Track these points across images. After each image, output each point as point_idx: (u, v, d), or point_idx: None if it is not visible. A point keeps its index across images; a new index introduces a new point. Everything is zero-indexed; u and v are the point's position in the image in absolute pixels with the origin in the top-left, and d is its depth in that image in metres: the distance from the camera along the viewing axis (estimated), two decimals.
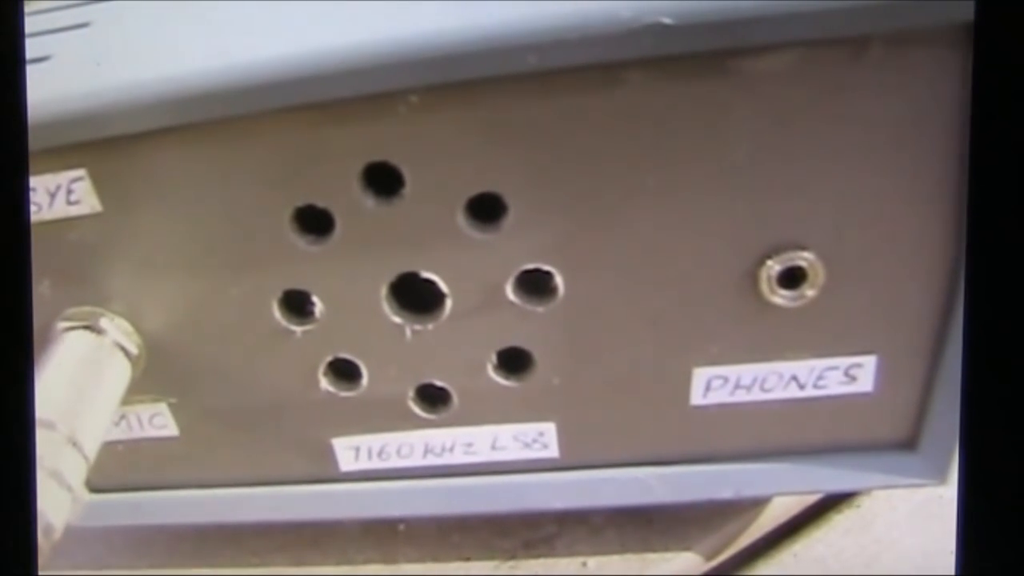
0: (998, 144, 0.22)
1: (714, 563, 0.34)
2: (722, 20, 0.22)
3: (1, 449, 0.23)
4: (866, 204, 0.26)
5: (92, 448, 0.27)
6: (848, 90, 0.24)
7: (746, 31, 0.23)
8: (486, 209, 0.26)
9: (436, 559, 0.35)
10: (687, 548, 0.34)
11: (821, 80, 0.24)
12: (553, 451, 0.31)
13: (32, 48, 0.29)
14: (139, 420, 0.32)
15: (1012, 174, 0.21)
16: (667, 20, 0.22)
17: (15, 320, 0.23)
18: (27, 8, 0.36)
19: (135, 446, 0.33)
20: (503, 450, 0.31)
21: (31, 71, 0.28)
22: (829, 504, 0.36)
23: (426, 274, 0.28)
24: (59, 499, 0.25)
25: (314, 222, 0.27)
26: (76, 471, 0.26)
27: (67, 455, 0.26)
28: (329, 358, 0.30)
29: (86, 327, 0.29)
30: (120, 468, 0.33)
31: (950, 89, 0.24)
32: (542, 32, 0.23)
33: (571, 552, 0.34)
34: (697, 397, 0.30)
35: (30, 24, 0.32)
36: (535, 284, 0.28)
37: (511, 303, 0.28)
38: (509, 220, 0.26)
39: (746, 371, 0.29)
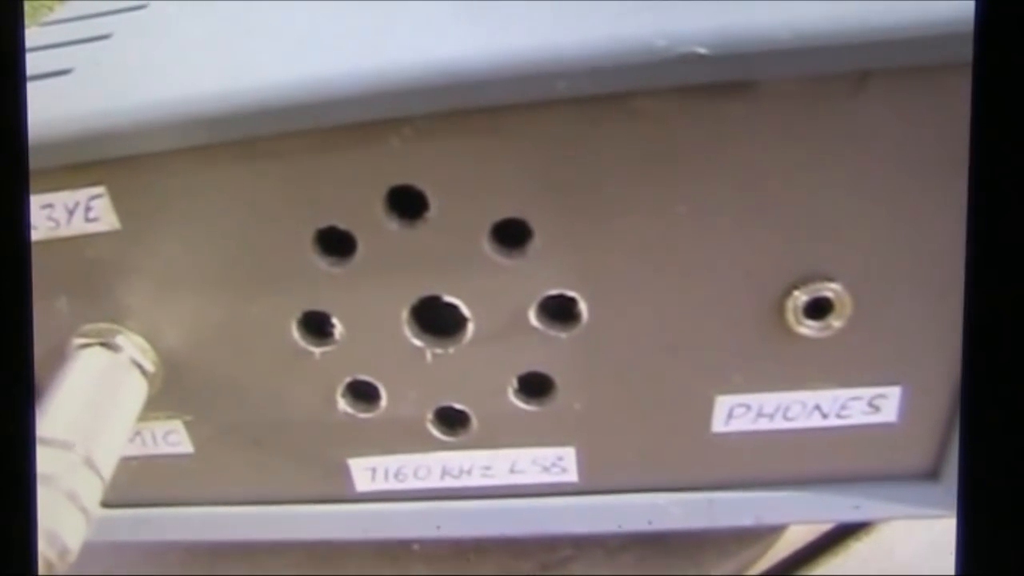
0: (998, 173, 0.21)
1: None
2: (756, 51, 0.22)
3: (4, 468, 0.23)
4: (893, 236, 0.25)
5: (108, 469, 0.26)
6: (875, 123, 0.24)
7: (781, 61, 0.22)
8: (511, 234, 0.26)
9: None
10: (703, 574, 0.33)
11: (850, 113, 0.23)
12: (572, 475, 0.31)
13: (52, 60, 0.29)
14: (154, 437, 0.32)
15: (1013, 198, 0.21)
16: (702, 50, 0.22)
17: (17, 339, 0.23)
18: (46, 18, 0.36)
19: (149, 462, 0.32)
20: (522, 474, 0.31)
21: (51, 85, 0.28)
22: (847, 532, 0.35)
23: (448, 298, 0.27)
24: (74, 521, 0.25)
25: (336, 244, 0.27)
26: (91, 492, 0.26)
27: (83, 476, 0.25)
28: (348, 380, 0.30)
29: (102, 344, 0.29)
30: (133, 484, 0.33)
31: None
32: (572, 60, 0.23)
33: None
34: (719, 424, 0.29)
35: (50, 35, 0.32)
36: (558, 310, 0.28)
37: (534, 328, 0.28)
38: (534, 246, 0.26)
39: (769, 400, 0.29)
